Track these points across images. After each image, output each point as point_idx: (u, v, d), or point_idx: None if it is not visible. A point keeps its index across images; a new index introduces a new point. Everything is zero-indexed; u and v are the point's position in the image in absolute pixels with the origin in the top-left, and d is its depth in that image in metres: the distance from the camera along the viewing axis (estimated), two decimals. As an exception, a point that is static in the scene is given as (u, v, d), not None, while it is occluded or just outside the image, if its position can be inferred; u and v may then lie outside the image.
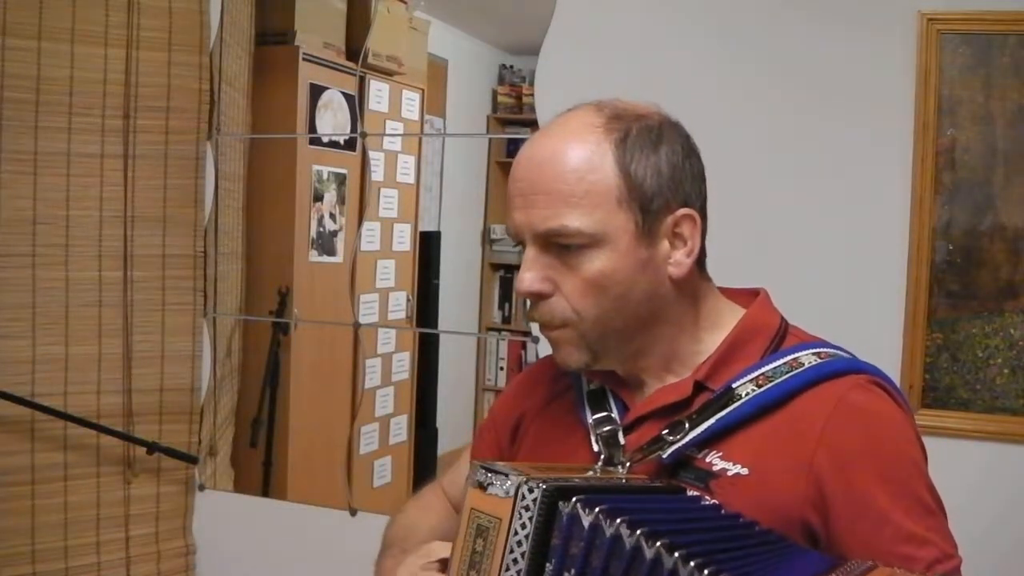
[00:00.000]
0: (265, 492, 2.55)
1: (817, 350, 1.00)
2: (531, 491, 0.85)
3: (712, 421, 0.96)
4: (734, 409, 0.96)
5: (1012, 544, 1.83)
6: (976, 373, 1.90)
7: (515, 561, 0.85)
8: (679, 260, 1.00)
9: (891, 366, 1.74)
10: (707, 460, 0.96)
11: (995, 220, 1.88)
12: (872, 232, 1.95)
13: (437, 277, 2.64)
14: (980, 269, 1.89)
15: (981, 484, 1.84)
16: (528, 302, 1.03)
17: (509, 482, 0.86)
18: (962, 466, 1.76)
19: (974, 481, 1.82)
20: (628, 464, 0.99)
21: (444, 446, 2.63)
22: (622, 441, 1.02)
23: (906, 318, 1.93)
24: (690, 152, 1.02)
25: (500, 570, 0.86)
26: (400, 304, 2.62)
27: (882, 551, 0.88)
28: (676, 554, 0.79)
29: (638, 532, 0.81)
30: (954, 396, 1.91)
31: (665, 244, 1.00)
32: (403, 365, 2.63)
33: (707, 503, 0.93)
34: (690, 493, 0.94)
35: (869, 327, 1.85)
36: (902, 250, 1.93)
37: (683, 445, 0.96)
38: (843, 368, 0.98)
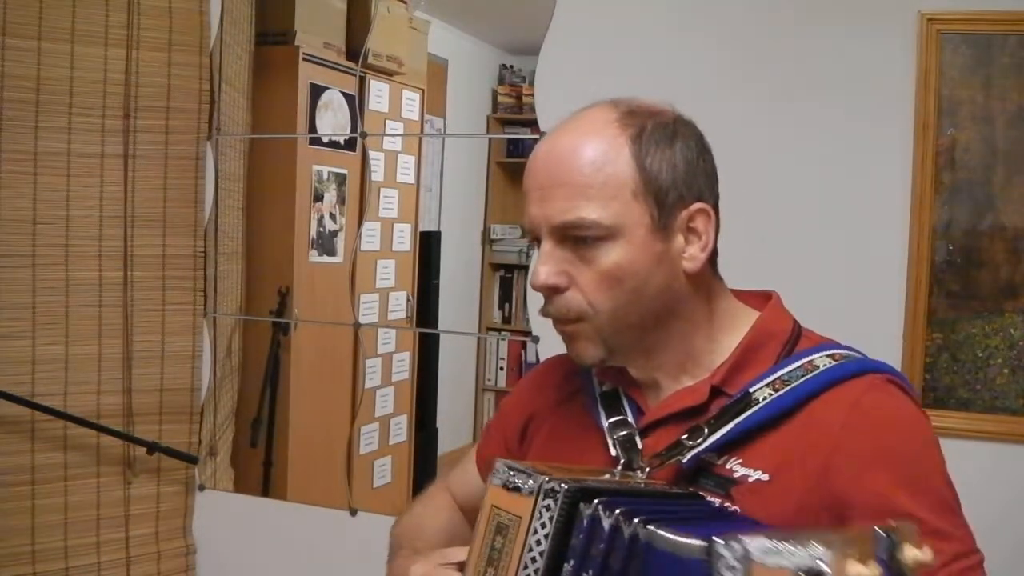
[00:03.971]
0: (265, 492, 2.55)
1: (831, 352, 1.00)
2: (553, 491, 0.86)
3: (731, 426, 0.96)
4: (752, 414, 0.96)
5: (1013, 544, 1.83)
6: (976, 373, 1.90)
7: (533, 560, 0.85)
8: (693, 254, 1.01)
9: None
10: (728, 467, 0.96)
11: (995, 220, 1.88)
12: (872, 232, 1.95)
13: (437, 277, 2.64)
14: (980, 269, 1.89)
15: (981, 484, 1.83)
16: (543, 297, 1.03)
17: (531, 481, 0.87)
18: (962, 466, 1.75)
19: (974, 481, 1.80)
20: (648, 469, 0.98)
21: (444, 446, 2.63)
22: (639, 445, 1.01)
23: (906, 318, 1.93)
24: (703, 150, 1.03)
25: (518, 568, 0.86)
26: (400, 304, 2.62)
27: None
28: (646, 524, 0.80)
29: (648, 527, 0.81)
30: (954, 396, 1.91)
31: (680, 238, 1.00)
32: (403, 365, 2.63)
33: (727, 508, 0.93)
34: (709, 499, 0.94)
35: (869, 327, 1.84)
36: (902, 250, 1.93)
37: (702, 450, 0.96)
38: (857, 369, 0.98)
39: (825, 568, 0.72)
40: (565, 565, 0.84)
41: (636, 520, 0.81)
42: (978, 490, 1.81)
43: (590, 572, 0.83)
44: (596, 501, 0.84)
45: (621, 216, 0.97)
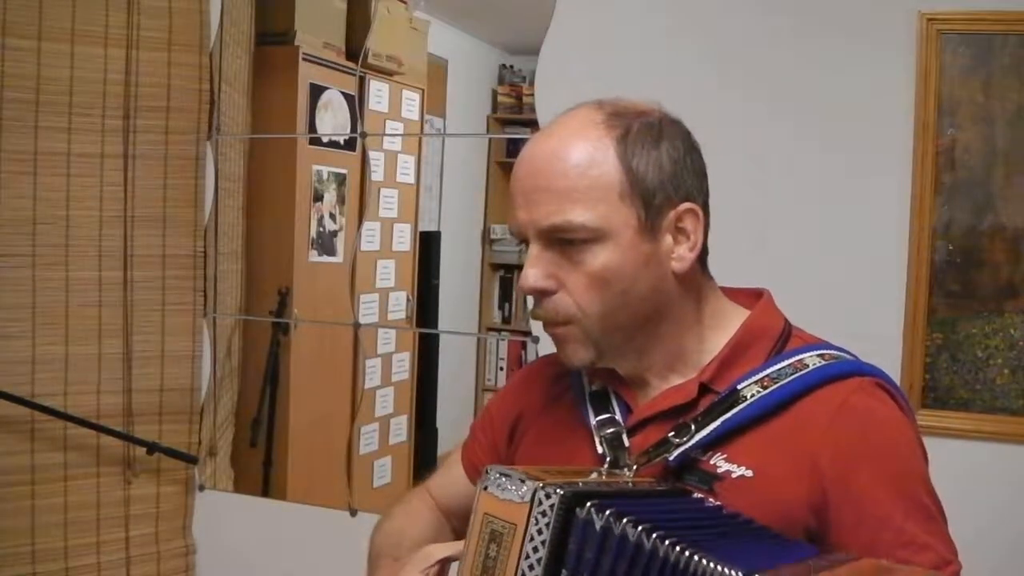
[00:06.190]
0: (265, 492, 2.55)
1: (821, 352, 1.00)
2: (548, 497, 0.85)
3: (718, 423, 0.96)
4: (739, 411, 0.96)
5: (1011, 543, 1.83)
6: (976, 373, 1.90)
7: (531, 567, 0.85)
8: (682, 255, 1.00)
9: (891, 366, 1.74)
10: (712, 462, 0.96)
11: (995, 220, 1.88)
12: (872, 232, 1.95)
13: (437, 277, 2.64)
14: (980, 269, 1.89)
15: (981, 484, 1.84)
16: (532, 300, 1.03)
17: (525, 487, 0.86)
18: (962, 466, 1.76)
19: (974, 481, 1.82)
20: (635, 467, 0.98)
21: (444, 446, 2.63)
22: (627, 443, 1.01)
23: (906, 318, 1.93)
24: (691, 148, 1.02)
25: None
26: (400, 304, 2.62)
27: (880, 555, 0.87)
28: (675, 546, 0.79)
29: (640, 529, 0.81)
30: (954, 396, 1.91)
31: (668, 239, 1.00)
32: (403, 365, 2.63)
33: (710, 504, 0.93)
34: (695, 495, 0.94)
35: (869, 327, 1.85)
36: (902, 250, 1.93)
37: (689, 447, 0.96)
38: (847, 370, 0.98)
39: None
40: (563, 571, 0.84)
41: (671, 543, 0.80)
42: (978, 490, 1.81)
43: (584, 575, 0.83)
44: (589, 504, 0.84)
45: (608, 218, 0.96)
